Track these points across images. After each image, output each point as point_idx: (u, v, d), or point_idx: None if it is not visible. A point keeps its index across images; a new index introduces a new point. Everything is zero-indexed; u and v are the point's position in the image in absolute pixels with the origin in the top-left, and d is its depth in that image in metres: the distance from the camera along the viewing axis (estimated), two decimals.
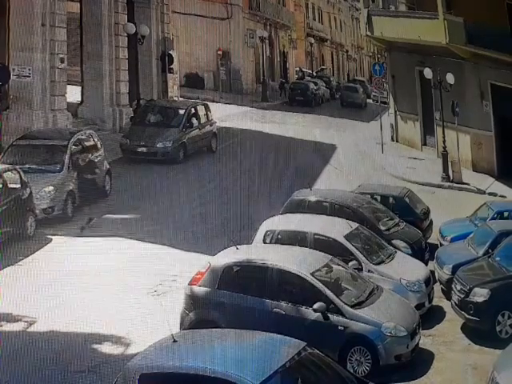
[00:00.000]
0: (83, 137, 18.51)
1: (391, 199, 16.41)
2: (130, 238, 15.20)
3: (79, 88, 25.96)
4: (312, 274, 10.80)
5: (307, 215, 14.13)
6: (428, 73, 24.66)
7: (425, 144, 27.79)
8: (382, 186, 18.26)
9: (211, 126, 25.04)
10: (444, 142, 23.76)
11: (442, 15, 24.14)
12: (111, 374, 9.22)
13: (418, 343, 10.94)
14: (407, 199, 16.50)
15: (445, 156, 23.51)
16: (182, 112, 23.99)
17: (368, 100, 42.05)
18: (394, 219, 15.12)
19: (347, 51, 68.20)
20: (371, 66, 39.54)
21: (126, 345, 10.80)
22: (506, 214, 15.62)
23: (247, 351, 8.05)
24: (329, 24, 63.41)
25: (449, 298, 12.77)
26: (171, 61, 29.70)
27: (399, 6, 28.98)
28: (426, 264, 14.00)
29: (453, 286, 12.47)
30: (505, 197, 20.99)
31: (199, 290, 11.09)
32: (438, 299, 13.17)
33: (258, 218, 14.23)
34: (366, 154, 27.09)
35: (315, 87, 42.48)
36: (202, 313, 10.93)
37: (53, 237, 15.28)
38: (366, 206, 15.09)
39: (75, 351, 10.55)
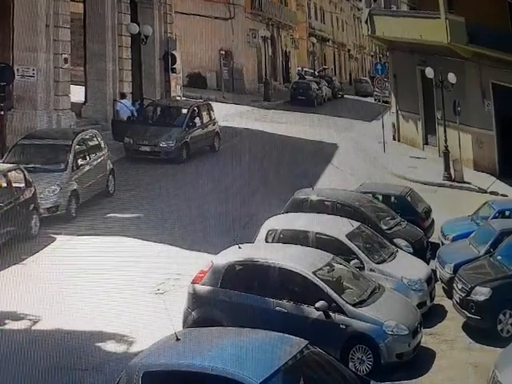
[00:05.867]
0: (87, 136, 18.59)
1: (393, 198, 16.46)
2: (134, 237, 15.27)
3: (83, 88, 26.04)
4: (314, 273, 10.85)
5: (309, 214, 14.18)
6: (430, 72, 24.69)
7: (426, 143, 27.81)
8: (383, 185, 18.32)
9: (214, 125, 25.10)
10: (445, 141, 23.80)
11: (443, 15, 24.15)
12: (114, 372, 9.25)
13: (419, 342, 10.98)
14: (409, 198, 16.55)
15: (446, 155, 23.56)
16: (184, 111, 24.07)
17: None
18: (395, 218, 15.15)
19: (349, 51, 68.25)
20: (373, 65, 39.74)
21: (130, 343, 10.86)
22: (507, 213, 15.64)
23: (249, 349, 8.05)
24: (331, 24, 63.45)
25: (450, 297, 12.80)
26: (174, 61, 29.74)
27: (401, 6, 29.01)
28: (428, 263, 14.04)
29: (454, 284, 12.52)
30: (506, 196, 21.00)
31: (202, 288, 11.14)
32: (440, 298, 13.20)
33: (261, 217, 14.29)
34: (368, 153, 27.14)
35: (317, 87, 42.56)
36: (204, 311, 10.99)
37: (57, 236, 15.34)
38: (368, 205, 15.14)
39: (79, 349, 10.60)
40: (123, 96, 24.74)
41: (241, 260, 11.37)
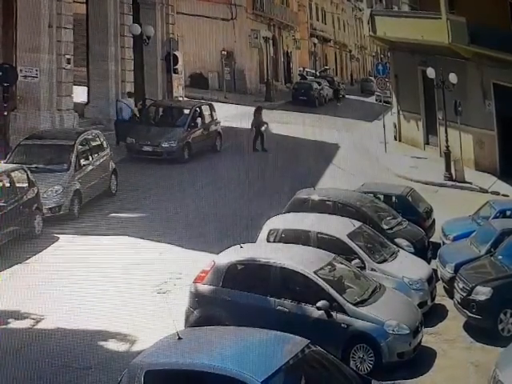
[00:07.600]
0: (89, 137, 18.67)
1: (394, 198, 16.48)
2: (136, 237, 15.33)
3: (85, 88, 26.11)
4: (315, 273, 10.89)
5: (310, 214, 14.21)
6: (431, 72, 24.72)
7: (427, 143, 27.82)
8: (384, 185, 18.33)
9: (216, 125, 25.16)
10: (447, 141, 23.80)
11: (444, 15, 24.16)
12: (117, 371, 9.30)
13: (420, 341, 11.01)
14: (410, 198, 16.58)
15: (447, 155, 23.58)
16: (186, 112, 24.14)
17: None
18: (396, 218, 15.18)
19: (350, 51, 68.31)
20: (374, 65, 39.79)
21: (132, 342, 10.90)
22: (508, 212, 15.64)
23: (251, 349, 8.08)
24: (332, 24, 63.54)
25: (451, 297, 12.81)
26: (176, 61, 29.80)
27: (402, 6, 29.03)
28: (429, 262, 14.07)
29: (455, 284, 12.54)
30: (507, 195, 21.02)
31: (204, 287, 11.19)
32: (441, 297, 13.21)
33: (262, 217, 14.33)
34: (369, 153, 27.18)
35: (319, 87, 42.61)
36: (206, 310, 11.02)
37: (60, 235, 15.41)
38: (369, 205, 15.17)
39: (82, 348, 10.65)
40: (130, 95, 24.85)
41: (242, 259, 11.41)
